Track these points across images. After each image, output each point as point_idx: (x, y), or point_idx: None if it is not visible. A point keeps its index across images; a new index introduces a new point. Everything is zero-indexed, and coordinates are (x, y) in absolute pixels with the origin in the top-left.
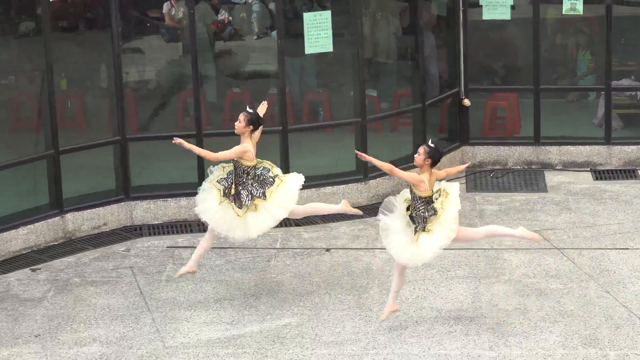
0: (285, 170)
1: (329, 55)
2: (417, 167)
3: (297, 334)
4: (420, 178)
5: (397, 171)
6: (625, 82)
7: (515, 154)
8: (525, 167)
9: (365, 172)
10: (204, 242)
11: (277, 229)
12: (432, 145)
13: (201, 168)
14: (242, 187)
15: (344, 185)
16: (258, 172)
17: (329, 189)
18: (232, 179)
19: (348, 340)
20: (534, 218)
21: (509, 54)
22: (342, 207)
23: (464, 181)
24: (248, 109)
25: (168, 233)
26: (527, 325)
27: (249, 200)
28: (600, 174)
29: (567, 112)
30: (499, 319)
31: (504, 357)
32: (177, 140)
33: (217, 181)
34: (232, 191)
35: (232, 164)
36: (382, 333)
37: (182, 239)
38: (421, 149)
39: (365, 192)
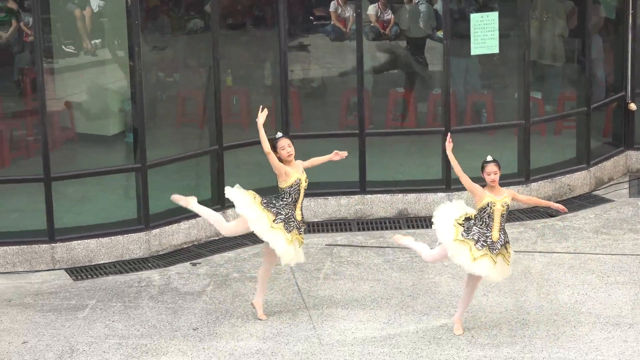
0: (448, 172)
1: (495, 57)
2: (492, 186)
3: (453, 335)
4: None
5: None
6: None
7: None
8: None
9: (527, 174)
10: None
11: None
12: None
13: (363, 167)
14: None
15: (505, 187)
16: None
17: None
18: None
19: (504, 343)
20: None
21: None
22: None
23: (627, 186)
24: (280, 134)
25: (327, 231)
26: None
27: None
28: None
29: None
30: None
31: None
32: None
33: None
34: (299, 216)
35: (293, 186)
36: (539, 337)
37: (340, 237)
38: (496, 167)
39: (527, 195)
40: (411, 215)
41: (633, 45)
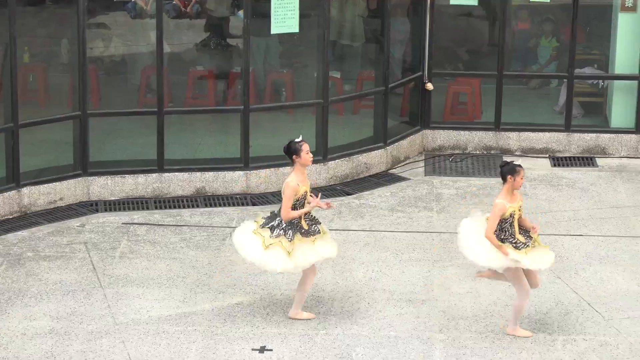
0: (246, 151)
1: (295, 36)
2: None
3: (248, 312)
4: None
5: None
6: (587, 71)
7: (475, 139)
8: (485, 152)
9: (325, 153)
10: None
11: (234, 207)
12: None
13: (161, 145)
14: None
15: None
16: None
17: (288, 169)
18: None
19: (299, 320)
20: (490, 203)
21: (474, 39)
22: None
23: (423, 165)
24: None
25: (124, 209)
26: (478, 309)
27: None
28: (559, 161)
29: (528, 99)
30: (451, 302)
31: (453, 340)
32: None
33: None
34: (306, 226)
35: (300, 200)
36: (333, 313)
37: (137, 216)
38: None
39: (324, 173)
40: (209, 194)
41: (431, 26)
